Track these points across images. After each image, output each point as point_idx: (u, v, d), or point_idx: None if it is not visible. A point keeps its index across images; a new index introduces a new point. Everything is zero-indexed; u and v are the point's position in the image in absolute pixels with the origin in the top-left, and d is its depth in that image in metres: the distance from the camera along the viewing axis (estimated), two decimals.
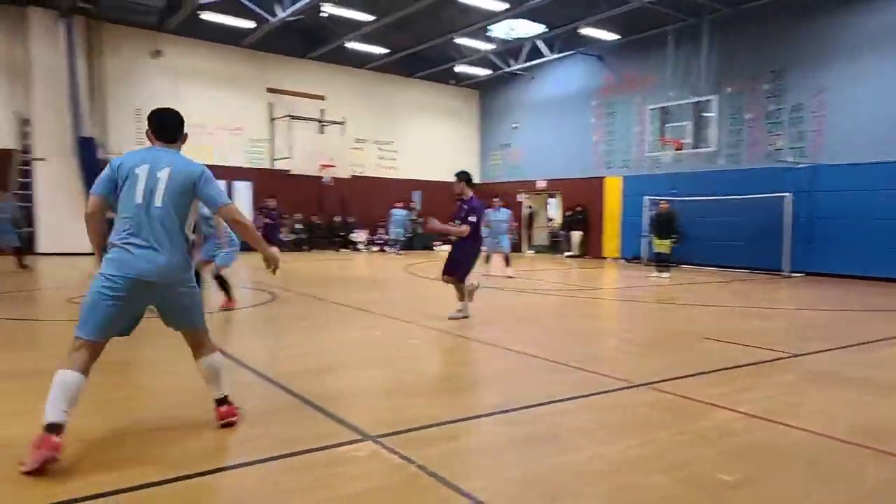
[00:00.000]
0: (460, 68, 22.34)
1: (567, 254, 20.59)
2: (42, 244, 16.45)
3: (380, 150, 23.23)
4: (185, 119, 3.53)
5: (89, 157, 16.46)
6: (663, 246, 13.85)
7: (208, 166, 3.46)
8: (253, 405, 4.06)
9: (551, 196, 23.33)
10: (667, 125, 16.26)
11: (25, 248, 13.69)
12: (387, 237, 21.73)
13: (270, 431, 3.52)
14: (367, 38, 19.06)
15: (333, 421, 3.63)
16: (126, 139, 18.07)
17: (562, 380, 4.73)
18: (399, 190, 23.25)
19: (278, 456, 3.08)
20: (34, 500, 2.56)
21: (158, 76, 18.62)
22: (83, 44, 16.89)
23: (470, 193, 7.24)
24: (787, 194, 14.64)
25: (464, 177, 7.29)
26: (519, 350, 5.76)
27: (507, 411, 3.91)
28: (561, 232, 21.80)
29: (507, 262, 13.32)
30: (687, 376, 4.88)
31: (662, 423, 3.74)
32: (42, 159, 16.44)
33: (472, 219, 7.10)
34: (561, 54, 19.97)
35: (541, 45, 19.60)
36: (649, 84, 18.38)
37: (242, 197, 19.65)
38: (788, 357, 5.73)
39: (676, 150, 15.96)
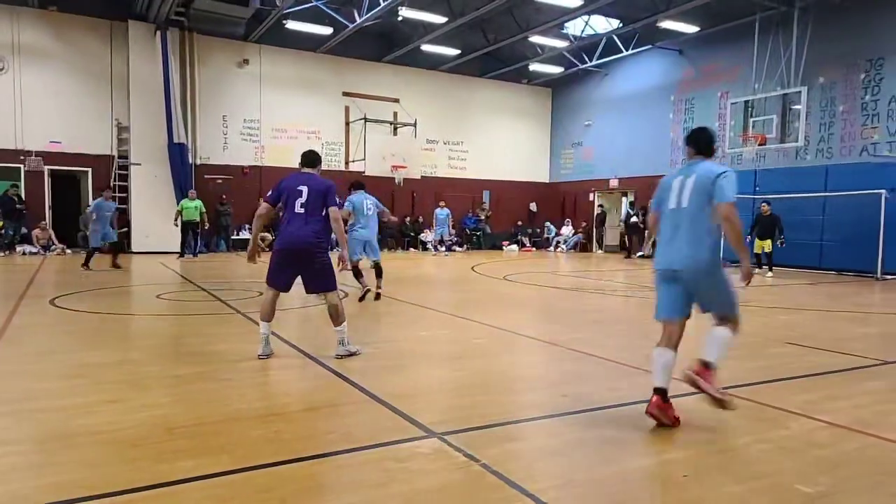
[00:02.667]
0: (533, 67, 22.16)
1: (639, 254, 20.02)
2: (135, 243, 17.56)
3: (450, 151, 23.39)
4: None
5: (181, 162, 17.50)
6: (765, 246, 14.11)
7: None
8: (326, 400, 4.22)
9: (624, 195, 22.75)
10: (750, 119, 15.56)
11: (120, 247, 14.60)
12: (454, 238, 21.80)
13: (342, 425, 3.66)
14: (440, 40, 19.25)
15: (400, 417, 3.71)
16: (214, 145, 19.13)
17: (631, 383, 4.62)
18: (469, 190, 23.34)
19: (350, 449, 3.18)
20: (128, 482, 2.77)
21: (244, 84, 19.48)
22: (177, 55, 17.94)
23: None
24: (882, 191, 13.66)
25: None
26: (586, 351, 5.67)
27: (572, 413, 3.87)
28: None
29: None
30: (766, 382, 4.68)
31: (739, 430, 3.61)
32: (138, 164, 17.59)
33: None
34: (637, 49, 19.47)
35: (616, 40, 19.18)
36: (732, 77, 17.59)
37: None
38: (878, 364, 5.38)
39: (760, 145, 15.24)
